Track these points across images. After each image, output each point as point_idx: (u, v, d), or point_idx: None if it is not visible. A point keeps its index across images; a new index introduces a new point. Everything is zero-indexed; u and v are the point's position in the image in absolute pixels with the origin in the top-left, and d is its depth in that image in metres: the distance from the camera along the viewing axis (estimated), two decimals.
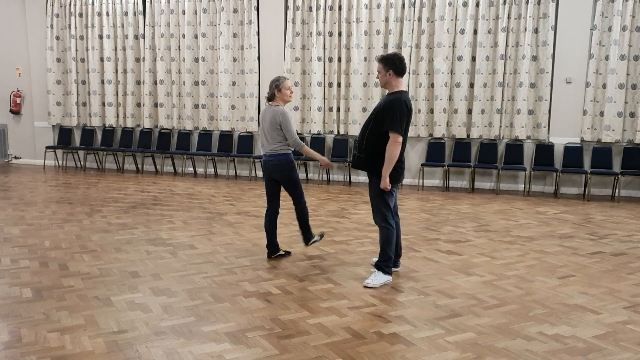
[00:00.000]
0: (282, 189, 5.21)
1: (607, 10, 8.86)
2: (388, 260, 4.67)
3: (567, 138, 9.30)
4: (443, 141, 9.85)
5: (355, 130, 10.13)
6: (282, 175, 5.09)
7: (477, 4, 9.38)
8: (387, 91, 4.68)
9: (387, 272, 4.67)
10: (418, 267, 5.11)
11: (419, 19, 9.65)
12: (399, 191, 4.81)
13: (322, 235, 5.42)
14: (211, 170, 11.23)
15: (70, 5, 11.61)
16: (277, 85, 5.07)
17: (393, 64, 4.55)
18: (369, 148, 4.56)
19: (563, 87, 9.23)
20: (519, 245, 5.94)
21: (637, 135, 8.91)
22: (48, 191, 8.95)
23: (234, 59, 10.76)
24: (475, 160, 9.74)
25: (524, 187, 9.48)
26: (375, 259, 4.84)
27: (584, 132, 9.16)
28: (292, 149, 5.08)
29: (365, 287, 4.54)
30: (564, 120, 9.29)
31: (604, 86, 9.00)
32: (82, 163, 11.88)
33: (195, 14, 10.88)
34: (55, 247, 5.62)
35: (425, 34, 9.64)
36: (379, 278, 4.62)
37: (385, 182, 4.48)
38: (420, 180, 9.85)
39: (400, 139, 4.45)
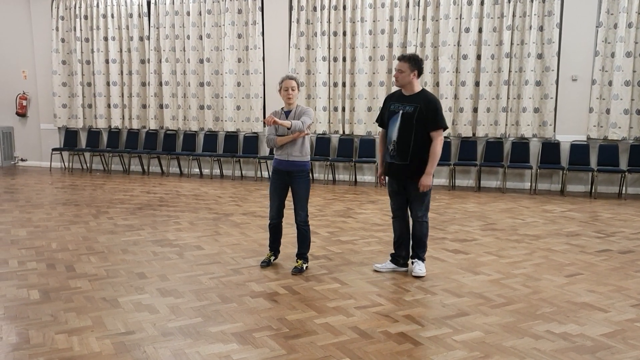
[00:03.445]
0: (290, 192, 5.00)
1: (613, 8, 8.81)
2: (426, 249, 4.92)
3: (573, 136, 9.27)
4: (449, 140, 9.82)
5: (360, 130, 10.13)
6: None
7: (482, 2, 9.36)
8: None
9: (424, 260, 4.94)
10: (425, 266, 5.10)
11: (424, 18, 9.63)
12: None
13: (266, 262, 5.08)
14: (217, 171, 11.24)
15: (75, 7, 11.65)
16: (279, 84, 4.91)
17: (419, 65, 4.63)
18: (418, 153, 4.61)
19: (569, 85, 9.19)
20: (525, 244, 5.92)
21: None
22: (54, 193, 8.99)
23: (239, 60, 10.77)
24: (481, 158, 9.71)
25: (530, 186, 9.45)
26: (378, 265, 4.98)
27: (590, 129, 9.12)
28: (276, 153, 4.93)
29: (417, 276, 4.76)
30: (570, 118, 9.26)
31: (610, 83, 8.96)
32: (88, 165, 11.92)
33: (200, 15, 10.89)
34: (62, 248, 5.64)
35: (430, 33, 9.62)
36: (423, 266, 4.83)
37: (431, 179, 4.63)
38: None
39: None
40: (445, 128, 4.64)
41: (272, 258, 5.15)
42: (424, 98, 4.62)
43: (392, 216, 4.98)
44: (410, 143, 4.60)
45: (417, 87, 4.68)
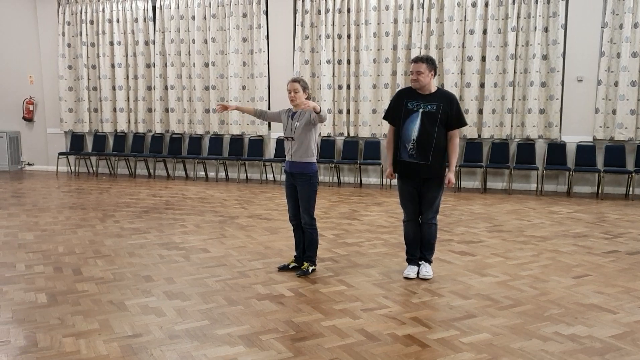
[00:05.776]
0: (299, 197, 4.90)
1: (618, 8, 8.79)
2: (433, 252, 4.97)
3: (579, 137, 9.24)
4: None
5: (365, 132, 10.13)
6: None
7: (486, 4, 9.35)
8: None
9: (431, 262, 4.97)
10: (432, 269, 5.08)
11: (428, 20, 9.63)
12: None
13: (283, 266, 5.07)
14: (222, 174, 11.26)
15: (81, 12, 11.71)
16: None
17: (435, 65, 4.63)
18: (438, 152, 4.62)
19: (574, 86, 9.17)
20: (532, 245, 5.90)
21: None
22: (61, 197, 9.02)
23: (244, 63, 10.79)
24: (487, 160, 9.69)
25: (537, 187, 9.42)
26: (407, 272, 4.87)
27: (596, 130, 9.09)
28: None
29: (424, 278, 4.77)
30: (576, 119, 9.23)
31: (616, 84, 8.93)
32: (94, 169, 11.97)
33: (205, 19, 10.93)
34: (69, 252, 5.66)
35: (435, 35, 9.61)
36: (430, 268, 4.86)
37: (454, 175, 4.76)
38: None
39: None
40: (465, 125, 4.79)
41: (292, 265, 5.03)
42: (445, 97, 4.62)
43: (408, 219, 4.86)
44: (432, 142, 4.56)
45: (433, 87, 4.67)
